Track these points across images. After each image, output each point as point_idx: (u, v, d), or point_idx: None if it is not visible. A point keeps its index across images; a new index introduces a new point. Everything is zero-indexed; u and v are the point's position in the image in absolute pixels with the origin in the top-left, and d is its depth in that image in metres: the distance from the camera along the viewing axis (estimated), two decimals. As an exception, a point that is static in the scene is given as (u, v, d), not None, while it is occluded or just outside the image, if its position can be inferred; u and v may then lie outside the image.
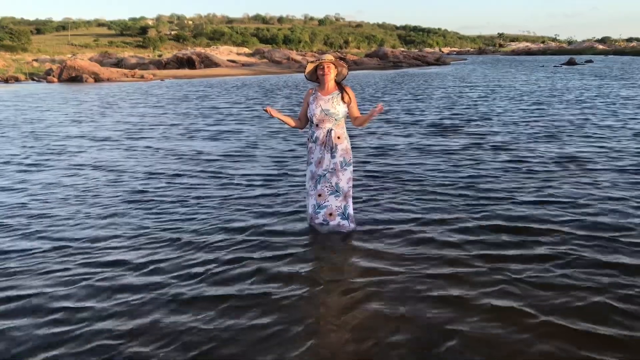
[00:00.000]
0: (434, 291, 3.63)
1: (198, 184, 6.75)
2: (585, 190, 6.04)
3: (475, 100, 16.96)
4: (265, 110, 4.59)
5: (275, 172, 7.34)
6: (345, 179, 4.69)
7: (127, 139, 10.63)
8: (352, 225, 4.80)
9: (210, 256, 4.33)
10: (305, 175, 5.04)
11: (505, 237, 4.64)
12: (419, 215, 5.25)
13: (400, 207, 5.55)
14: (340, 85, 4.74)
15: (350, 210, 4.79)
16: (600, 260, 4.11)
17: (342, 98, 4.66)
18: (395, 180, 6.66)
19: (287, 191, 6.27)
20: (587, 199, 5.69)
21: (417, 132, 10.61)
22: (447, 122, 12.00)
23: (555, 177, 6.69)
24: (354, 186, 5.19)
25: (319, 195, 4.71)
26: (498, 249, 4.37)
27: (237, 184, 6.67)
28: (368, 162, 7.80)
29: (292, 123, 4.84)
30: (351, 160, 4.80)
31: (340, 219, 4.71)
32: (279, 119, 4.71)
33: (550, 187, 6.19)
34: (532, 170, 7.10)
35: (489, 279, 3.81)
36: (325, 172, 4.67)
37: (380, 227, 4.93)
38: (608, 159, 7.73)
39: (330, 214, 4.71)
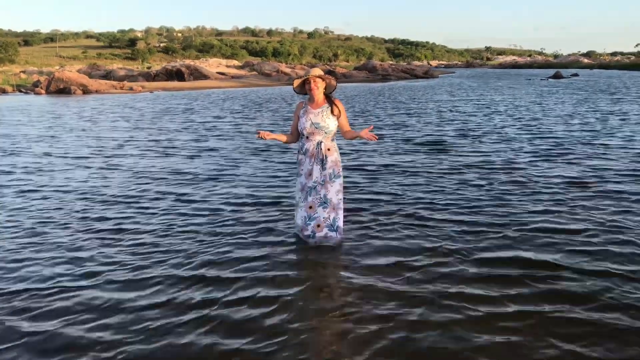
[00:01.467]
0: (420, 312, 3.56)
1: (172, 208, 6.19)
2: (591, 216, 5.60)
3: (470, 115, 16.50)
4: (259, 136, 4.58)
5: (258, 193, 6.89)
6: (333, 190, 4.70)
7: (99, 157, 9.78)
8: (339, 237, 4.80)
9: (194, 279, 4.16)
10: (294, 186, 5.04)
11: (498, 255, 4.64)
12: (411, 234, 5.19)
13: (391, 226, 5.45)
14: (329, 98, 4.78)
15: (340, 223, 4.79)
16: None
17: (332, 111, 4.70)
18: (389, 200, 6.43)
19: (272, 209, 6.14)
20: (590, 228, 5.21)
21: (411, 150, 10.12)
22: (443, 138, 11.55)
23: (562, 199, 6.27)
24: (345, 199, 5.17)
25: (310, 207, 4.73)
26: (488, 266, 4.33)
27: (215, 209, 6.23)
28: (360, 180, 7.60)
29: (284, 139, 4.90)
30: (340, 172, 4.82)
31: (328, 230, 4.71)
32: (272, 139, 4.73)
33: (557, 212, 5.76)
34: (538, 192, 6.64)
35: (479, 297, 3.78)
36: (315, 184, 4.69)
37: (368, 242, 4.91)
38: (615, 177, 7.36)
39: (318, 226, 4.71)
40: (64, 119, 17.37)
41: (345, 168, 5.95)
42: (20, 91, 35.34)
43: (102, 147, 11.21)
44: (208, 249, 4.78)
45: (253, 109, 20.36)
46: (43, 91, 33.15)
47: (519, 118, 15.54)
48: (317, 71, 4.75)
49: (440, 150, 9.97)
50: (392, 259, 4.48)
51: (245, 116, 17.76)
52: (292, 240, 4.95)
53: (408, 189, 6.98)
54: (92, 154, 10.29)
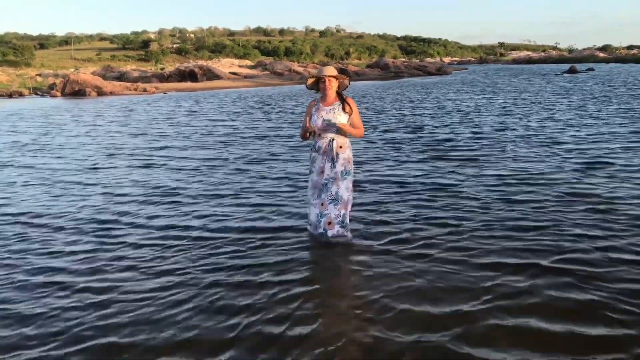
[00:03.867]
0: (427, 306, 3.56)
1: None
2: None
3: (496, 117, 14.67)
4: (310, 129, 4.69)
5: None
6: (344, 187, 4.72)
7: (77, 172, 8.68)
8: (350, 235, 4.82)
9: (205, 283, 4.12)
10: (307, 183, 5.07)
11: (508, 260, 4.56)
12: (425, 233, 5.14)
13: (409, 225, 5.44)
14: (341, 96, 4.82)
15: (347, 220, 4.81)
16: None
17: (344, 108, 4.74)
18: (405, 200, 6.36)
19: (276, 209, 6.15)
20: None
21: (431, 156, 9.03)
22: (472, 144, 10.13)
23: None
24: (355, 198, 5.16)
25: (322, 204, 4.75)
26: (495, 270, 4.22)
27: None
28: (381, 178, 7.50)
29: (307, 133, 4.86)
30: (352, 170, 4.85)
31: (339, 226, 4.73)
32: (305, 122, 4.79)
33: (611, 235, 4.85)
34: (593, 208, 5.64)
35: (487, 294, 3.74)
36: (326, 182, 4.71)
37: (385, 241, 4.88)
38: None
39: (330, 223, 4.72)
40: (55, 123, 17.19)
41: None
42: (37, 94, 35.82)
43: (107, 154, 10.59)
44: (220, 249, 4.80)
45: (260, 111, 19.82)
46: (59, 94, 33.56)
47: (558, 122, 13.20)
48: (331, 70, 4.82)
49: (472, 159, 8.62)
50: (406, 256, 4.47)
51: (253, 118, 17.51)
52: (305, 237, 4.96)
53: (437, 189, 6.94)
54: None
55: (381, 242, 4.81)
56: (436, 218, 5.48)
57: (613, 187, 6.44)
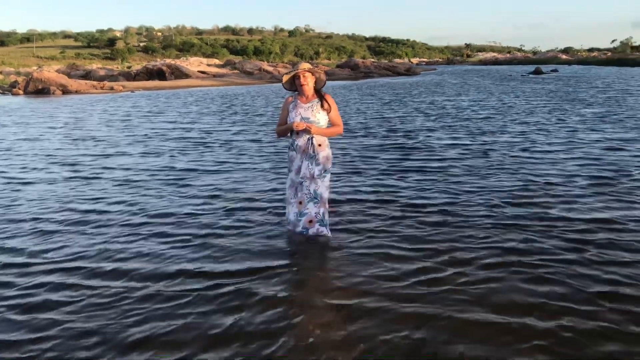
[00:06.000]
0: (412, 307, 3.55)
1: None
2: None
3: (481, 119, 13.96)
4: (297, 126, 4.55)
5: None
6: (324, 186, 4.68)
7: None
8: (329, 233, 4.78)
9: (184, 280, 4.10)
10: (285, 183, 5.00)
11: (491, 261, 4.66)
12: (402, 230, 5.24)
13: (386, 222, 5.54)
14: (320, 93, 4.73)
15: (327, 217, 4.77)
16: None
17: (322, 106, 4.65)
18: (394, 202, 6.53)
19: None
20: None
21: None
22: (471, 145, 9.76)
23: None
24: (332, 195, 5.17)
25: (299, 202, 4.71)
26: (481, 269, 4.31)
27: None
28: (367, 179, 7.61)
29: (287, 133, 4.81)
30: (331, 168, 4.81)
31: (319, 225, 4.69)
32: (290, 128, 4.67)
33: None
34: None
35: (469, 295, 3.79)
36: (302, 180, 4.64)
37: (359, 237, 4.88)
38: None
39: (310, 221, 4.69)
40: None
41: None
42: (-2, 92, 34.65)
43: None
44: (200, 245, 4.75)
45: (224, 113, 18.63)
46: (21, 92, 32.53)
47: (531, 123, 12.75)
48: (307, 65, 4.69)
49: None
50: (387, 254, 4.47)
51: (212, 118, 17.38)
52: (284, 237, 4.92)
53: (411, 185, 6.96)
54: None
55: (362, 238, 4.82)
56: (417, 213, 5.56)
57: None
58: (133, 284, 3.97)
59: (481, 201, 5.92)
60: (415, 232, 4.95)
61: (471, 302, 3.55)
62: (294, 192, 4.73)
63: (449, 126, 12.58)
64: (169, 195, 6.54)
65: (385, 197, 6.19)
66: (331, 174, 4.94)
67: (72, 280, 4.06)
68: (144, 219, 5.55)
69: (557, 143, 9.76)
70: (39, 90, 32.34)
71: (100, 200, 6.39)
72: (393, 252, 4.48)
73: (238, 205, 6.02)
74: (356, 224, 5.24)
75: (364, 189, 6.65)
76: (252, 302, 3.62)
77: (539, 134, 11.00)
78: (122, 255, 4.53)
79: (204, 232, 5.09)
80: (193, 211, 5.78)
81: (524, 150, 9.11)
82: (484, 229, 5.02)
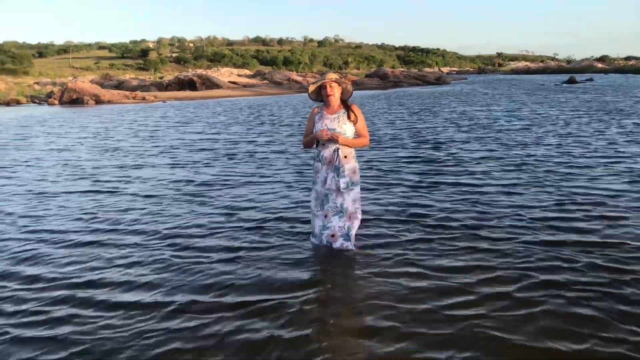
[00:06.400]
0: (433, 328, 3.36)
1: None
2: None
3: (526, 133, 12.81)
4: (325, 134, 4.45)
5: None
6: (350, 199, 4.51)
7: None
8: (354, 247, 4.61)
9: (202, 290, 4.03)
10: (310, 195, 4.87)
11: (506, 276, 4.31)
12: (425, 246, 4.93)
13: (409, 236, 5.25)
14: (346, 104, 4.60)
15: (353, 232, 4.59)
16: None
17: (349, 117, 4.52)
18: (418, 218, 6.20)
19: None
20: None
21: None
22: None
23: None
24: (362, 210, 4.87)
25: (325, 216, 4.56)
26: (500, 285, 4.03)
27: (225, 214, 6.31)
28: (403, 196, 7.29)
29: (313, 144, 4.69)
30: (359, 181, 4.64)
31: (343, 240, 4.53)
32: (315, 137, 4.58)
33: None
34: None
35: (490, 312, 3.53)
36: (328, 192, 4.50)
37: (382, 252, 4.68)
38: None
39: (333, 235, 4.53)
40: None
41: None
42: (34, 102, 35.56)
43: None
44: (224, 260, 4.57)
45: (251, 125, 18.11)
46: (56, 102, 33.32)
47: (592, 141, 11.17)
48: (333, 75, 4.59)
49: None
50: (413, 274, 4.22)
51: (237, 129, 17.24)
52: (309, 251, 4.75)
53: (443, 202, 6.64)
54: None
55: (388, 257, 4.57)
56: (446, 232, 5.25)
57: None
58: (160, 298, 3.86)
59: (514, 220, 5.55)
60: (444, 253, 4.65)
61: (502, 328, 3.29)
62: (320, 204, 4.61)
63: (481, 138, 12.16)
64: (192, 209, 6.39)
65: (413, 214, 5.89)
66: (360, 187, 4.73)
67: (97, 294, 3.95)
68: (167, 232, 5.43)
69: (596, 157, 9.26)
70: (73, 100, 33.05)
71: (124, 213, 6.28)
72: (420, 271, 4.24)
73: (263, 218, 5.84)
74: (382, 240, 5.00)
75: (391, 204, 6.36)
76: (277, 317, 3.52)
77: (576, 146, 10.50)
78: (145, 271, 4.40)
79: (228, 245, 4.96)
80: (216, 225, 5.62)
81: (560, 164, 8.64)
82: (516, 250, 4.68)
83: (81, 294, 4.00)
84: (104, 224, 5.84)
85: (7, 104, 34.32)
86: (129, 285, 4.13)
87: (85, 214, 6.28)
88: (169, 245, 5.07)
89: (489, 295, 3.81)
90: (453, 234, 5.20)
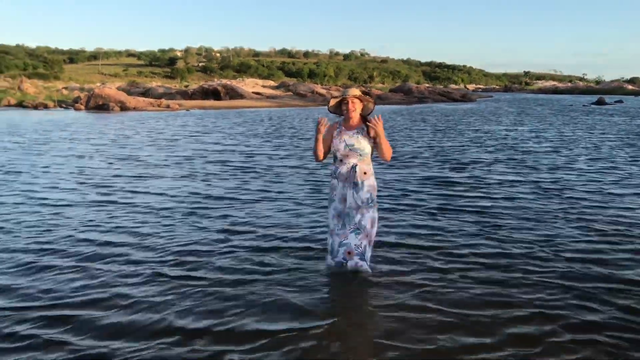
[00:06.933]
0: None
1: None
2: None
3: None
4: (319, 120, 4.32)
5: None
6: (368, 217, 4.33)
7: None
8: (369, 269, 4.42)
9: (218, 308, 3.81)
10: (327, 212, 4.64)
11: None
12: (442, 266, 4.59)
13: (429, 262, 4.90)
14: (366, 120, 4.42)
15: (369, 252, 4.39)
16: None
17: (368, 132, 4.34)
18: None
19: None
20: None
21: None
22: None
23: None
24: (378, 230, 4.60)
25: (345, 235, 4.37)
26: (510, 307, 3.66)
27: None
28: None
29: (321, 151, 4.48)
30: (375, 199, 4.44)
31: (359, 258, 4.33)
32: (316, 138, 4.40)
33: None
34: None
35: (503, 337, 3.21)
36: (349, 210, 4.31)
37: (398, 280, 4.41)
38: None
39: (349, 253, 4.33)
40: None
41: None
42: (61, 106, 36.17)
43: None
44: (234, 282, 4.35)
45: (270, 135, 18.58)
46: (83, 107, 33.81)
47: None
48: (355, 91, 4.45)
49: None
50: (429, 306, 3.91)
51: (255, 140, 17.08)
52: (324, 274, 4.52)
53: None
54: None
55: (403, 286, 4.27)
56: (464, 265, 4.86)
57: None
58: (164, 323, 3.64)
59: (540, 254, 5.12)
60: (461, 290, 4.24)
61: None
62: (338, 222, 4.41)
63: (506, 160, 11.68)
64: (202, 225, 6.13)
65: (430, 242, 5.51)
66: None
67: (96, 317, 3.66)
68: (175, 249, 5.20)
69: (631, 185, 8.73)
70: (99, 106, 33.47)
71: (131, 228, 6.04)
72: (439, 308, 3.90)
73: (276, 238, 5.59)
74: (398, 267, 4.70)
75: (408, 228, 6.01)
76: (291, 350, 3.33)
77: (607, 172, 9.96)
78: (150, 292, 4.12)
79: (240, 267, 4.72)
80: (227, 245, 5.37)
81: (591, 192, 8.11)
82: (540, 286, 4.29)
83: (79, 314, 3.79)
84: (109, 239, 5.61)
85: (36, 107, 34.97)
86: (131, 309, 3.89)
87: (89, 227, 6.06)
88: (176, 264, 4.83)
89: (513, 336, 3.47)
90: (472, 264, 4.83)
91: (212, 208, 7.00)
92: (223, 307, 3.90)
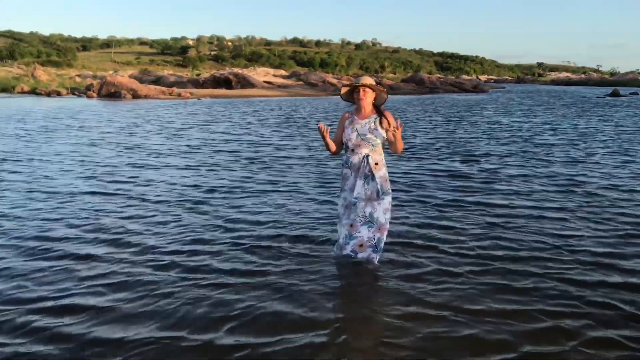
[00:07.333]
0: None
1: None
2: None
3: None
4: (319, 127, 4.22)
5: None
6: (381, 209, 4.26)
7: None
8: (378, 262, 4.37)
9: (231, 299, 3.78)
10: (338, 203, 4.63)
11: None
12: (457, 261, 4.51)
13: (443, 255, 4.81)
14: (379, 110, 4.35)
15: (382, 244, 4.32)
16: None
17: (381, 123, 4.28)
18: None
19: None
20: None
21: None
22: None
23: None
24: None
25: (351, 225, 4.30)
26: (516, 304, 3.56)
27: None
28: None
29: (334, 148, 4.47)
30: (389, 190, 4.37)
31: (372, 251, 4.28)
32: (324, 140, 4.36)
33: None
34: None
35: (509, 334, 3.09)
36: (356, 200, 4.24)
37: (407, 284, 4.20)
38: None
39: (361, 245, 4.28)
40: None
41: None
42: (74, 94, 36.30)
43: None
44: (236, 286, 4.17)
45: (279, 125, 18.62)
46: (95, 94, 33.93)
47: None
48: (368, 80, 4.37)
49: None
50: (442, 315, 3.71)
51: (261, 133, 16.89)
52: (331, 275, 4.36)
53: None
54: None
55: (412, 290, 4.10)
56: (475, 267, 4.76)
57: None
58: (155, 333, 3.40)
59: (555, 254, 4.93)
60: (471, 294, 4.01)
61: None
62: (347, 211, 4.36)
63: (518, 152, 11.50)
64: (204, 220, 5.94)
65: (439, 239, 5.30)
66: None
67: (75, 328, 3.60)
68: (172, 248, 5.03)
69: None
70: (111, 93, 33.58)
71: (129, 221, 5.91)
72: (455, 319, 3.61)
73: (282, 235, 5.38)
74: (406, 270, 4.47)
75: (417, 225, 5.80)
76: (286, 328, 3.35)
77: (625, 167, 9.75)
78: (143, 296, 4.01)
79: (242, 269, 4.46)
80: (229, 243, 5.16)
81: (609, 188, 7.84)
82: (558, 293, 4.06)
83: (86, 304, 3.76)
84: (104, 234, 5.41)
85: (49, 94, 35.15)
86: (140, 300, 3.82)
87: (86, 221, 5.88)
88: (172, 264, 4.57)
89: (529, 355, 3.21)
90: (485, 266, 4.60)
91: (216, 202, 6.85)
92: (221, 315, 3.61)
